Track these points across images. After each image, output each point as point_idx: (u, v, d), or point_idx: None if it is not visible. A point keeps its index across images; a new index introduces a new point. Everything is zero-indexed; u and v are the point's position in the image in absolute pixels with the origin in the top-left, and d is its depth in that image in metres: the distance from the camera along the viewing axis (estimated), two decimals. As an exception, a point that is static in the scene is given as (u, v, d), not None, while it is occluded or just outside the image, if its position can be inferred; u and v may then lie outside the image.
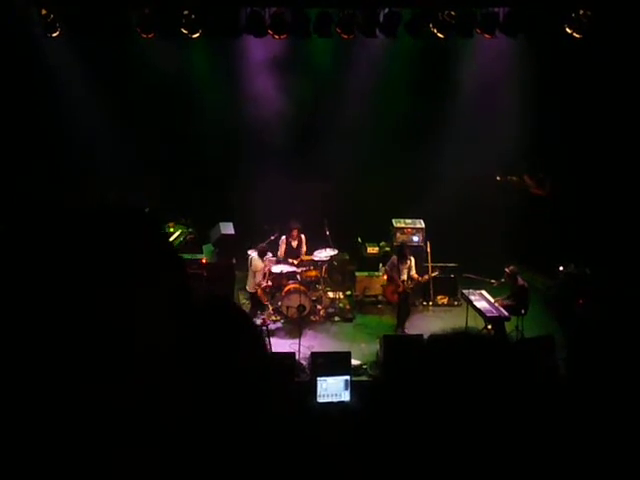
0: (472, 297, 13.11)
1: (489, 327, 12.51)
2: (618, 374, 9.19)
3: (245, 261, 14.17)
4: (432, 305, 14.82)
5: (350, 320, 14.19)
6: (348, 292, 14.84)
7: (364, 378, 11.68)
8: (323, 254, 14.46)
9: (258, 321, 12.92)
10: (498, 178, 15.78)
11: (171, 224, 14.71)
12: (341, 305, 14.50)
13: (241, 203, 14.91)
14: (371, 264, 15.22)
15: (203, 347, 1.54)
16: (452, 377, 1.40)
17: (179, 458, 1.20)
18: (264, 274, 13.64)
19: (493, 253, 13.97)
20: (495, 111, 15.25)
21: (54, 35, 13.41)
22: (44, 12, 13.20)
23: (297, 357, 11.81)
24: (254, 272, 13.58)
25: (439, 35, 13.35)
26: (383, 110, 15.72)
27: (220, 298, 1.89)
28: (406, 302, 13.69)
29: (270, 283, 13.81)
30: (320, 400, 10.62)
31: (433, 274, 14.27)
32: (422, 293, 14.75)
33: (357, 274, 14.94)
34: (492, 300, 12.99)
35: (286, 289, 13.69)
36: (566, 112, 14.77)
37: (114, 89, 15.06)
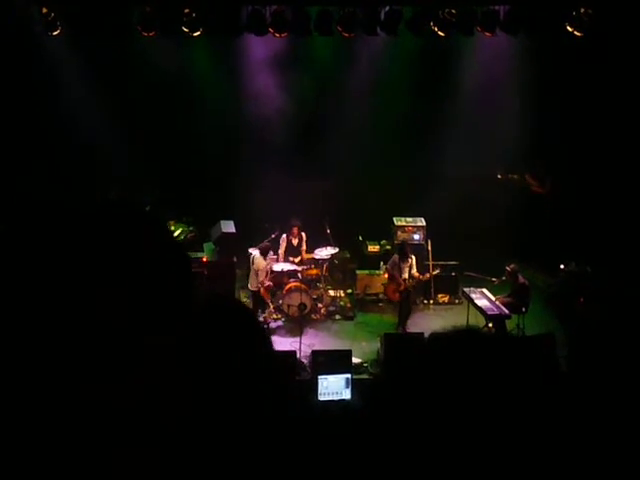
0: (473, 295, 13.11)
1: (490, 325, 12.51)
2: (619, 372, 9.19)
3: (246, 259, 14.17)
4: (433, 303, 14.81)
5: (351, 318, 14.19)
6: (349, 290, 14.85)
7: (365, 376, 11.68)
8: (324, 252, 14.47)
9: (259, 319, 12.93)
10: (499, 176, 15.77)
11: (172, 222, 14.70)
12: (342, 303, 14.50)
13: (242, 201, 14.90)
14: (372, 262, 15.22)
15: (207, 346, 1.54)
16: (453, 375, 1.40)
17: (179, 458, 1.20)
18: (266, 273, 13.64)
19: (494, 251, 13.98)
20: (495, 110, 15.25)
21: (55, 33, 13.41)
22: (45, 10, 13.21)
23: (298, 355, 11.81)
24: (256, 271, 13.57)
25: (440, 33, 13.35)
26: (384, 108, 15.72)
27: (225, 296, 1.89)
28: (407, 301, 13.69)
29: (271, 282, 13.82)
30: (321, 398, 10.63)
31: (434, 272, 14.26)
32: (423, 291, 14.74)
33: (358, 272, 14.93)
34: (493, 298, 12.99)
35: (287, 287, 13.69)
36: (567, 111, 14.77)
37: (115, 87, 15.07)
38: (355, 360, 11.73)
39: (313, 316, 13.86)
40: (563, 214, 14.86)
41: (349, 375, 10.90)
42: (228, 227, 14.69)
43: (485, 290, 13.25)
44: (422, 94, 15.44)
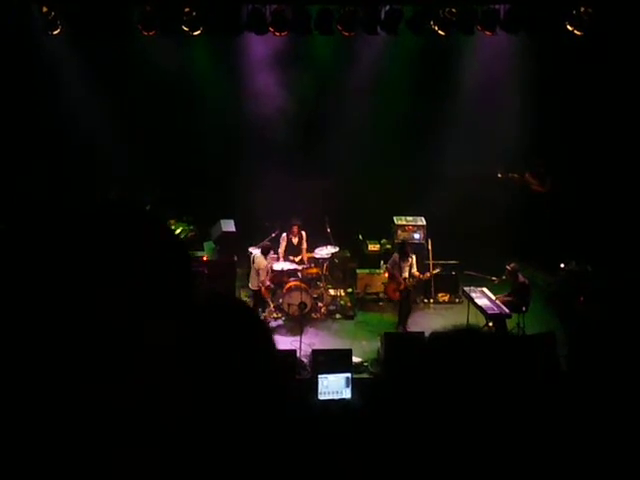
0: (473, 294, 13.10)
1: (490, 324, 12.51)
2: (619, 371, 9.20)
3: (246, 259, 14.17)
4: (433, 302, 14.81)
5: (351, 317, 14.19)
6: (349, 289, 14.84)
7: (365, 375, 11.68)
8: (324, 251, 14.47)
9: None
10: (499, 175, 15.77)
11: (172, 221, 14.70)
12: (342, 302, 14.50)
13: (242, 200, 14.90)
14: (372, 261, 15.22)
15: (209, 345, 1.54)
16: (453, 374, 1.40)
17: (179, 458, 1.20)
18: (267, 272, 13.64)
19: (494, 250, 13.97)
20: (496, 109, 15.25)
21: (55, 33, 13.41)
22: (45, 9, 13.21)
23: (298, 354, 11.81)
24: (257, 270, 13.57)
25: (440, 32, 13.36)
26: (384, 107, 15.71)
27: (229, 296, 1.89)
28: (408, 300, 13.69)
29: (272, 281, 13.82)
30: (321, 397, 10.63)
31: (435, 272, 14.26)
32: (423, 290, 14.74)
33: (358, 271, 14.93)
34: (493, 297, 12.98)
35: (287, 286, 13.69)
36: (567, 109, 14.77)
37: (115, 86, 15.06)
38: (355, 359, 11.73)
39: (313, 315, 13.86)
40: (563, 213, 14.86)
41: (349, 374, 10.90)
42: (228, 226, 14.69)
43: (485, 289, 13.25)
44: (422, 93, 15.44)
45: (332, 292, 14.56)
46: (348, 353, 11.45)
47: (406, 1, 13.49)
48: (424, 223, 15.14)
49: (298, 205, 14.48)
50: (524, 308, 12.76)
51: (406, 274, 13.66)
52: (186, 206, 14.90)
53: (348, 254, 15.21)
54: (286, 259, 14.29)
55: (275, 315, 13.71)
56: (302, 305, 13.24)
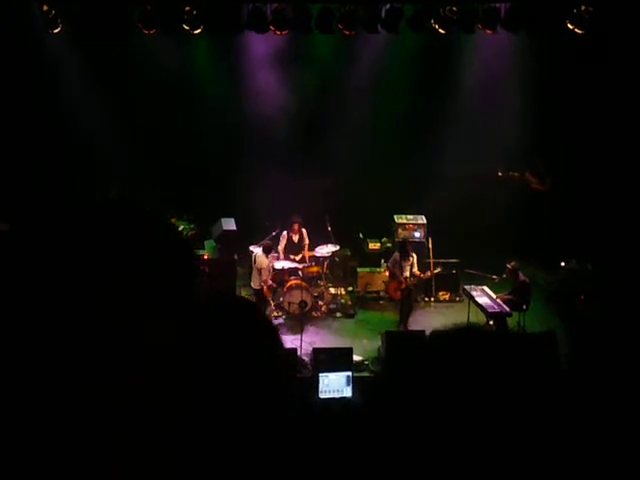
0: (474, 293, 13.10)
1: (491, 323, 12.51)
2: (619, 370, 9.19)
3: (247, 257, 14.17)
4: (434, 301, 14.81)
5: (352, 316, 14.20)
6: (350, 288, 14.84)
7: (366, 374, 11.68)
8: (325, 250, 14.47)
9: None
10: (500, 173, 15.76)
11: (173, 220, 14.70)
12: (343, 301, 14.50)
13: (243, 199, 14.90)
14: (373, 260, 15.22)
15: (213, 344, 1.54)
16: (454, 373, 1.40)
17: (179, 458, 1.20)
18: (268, 271, 13.65)
19: (494, 249, 13.97)
20: (496, 107, 15.25)
21: (55, 31, 13.41)
22: (45, 8, 13.21)
23: (299, 353, 11.81)
24: (259, 269, 13.57)
25: (440, 31, 13.35)
26: (384, 106, 15.71)
27: (235, 295, 1.89)
28: (408, 298, 13.69)
29: (273, 280, 13.83)
30: (322, 396, 10.63)
31: (435, 271, 14.26)
32: (424, 289, 14.74)
33: (359, 270, 14.94)
34: (494, 296, 12.98)
35: (288, 285, 13.69)
36: (567, 108, 14.76)
37: (115, 85, 15.05)
38: (356, 358, 11.73)
39: (314, 314, 13.87)
40: (563, 211, 14.86)
41: (350, 373, 10.90)
42: (229, 225, 14.70)
43: (486, 288, 13.25)
44: (423, 92, 15.43)
45: (333, 291, 14.56)
46: (349, 352, 11.45)
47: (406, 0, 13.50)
48: (424, 221, 15.15)
49: (299, 204, 14.48)
50: (524, 307, 12.76)
51: (407, 273, 13.65)
52: (187, 205, 14.89)
53: (349, 253, 15.21)
54: (286, 257, 14.29)
55: (276, 314, 13.71)
56: (303, 304, 13.25)
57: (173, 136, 15.47)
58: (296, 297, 13.38)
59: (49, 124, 14.98)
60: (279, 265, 13.93)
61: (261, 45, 14.86)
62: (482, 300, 12.87)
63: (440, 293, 14.89)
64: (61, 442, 1.10)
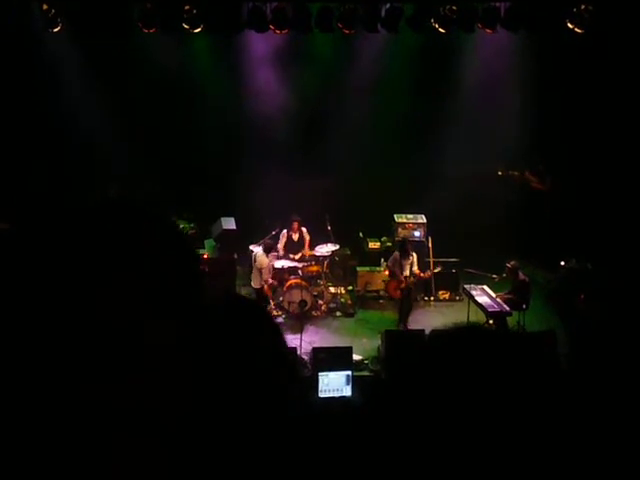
0: (474, 292, 13.10)
1: (490, 322, 12.51)
2: (619, 369, 9.20)
3: (247, 257, 14.17)
4: (434, 300, 14.82)
5: (351, 315, 14.20)
6: (349, 287, 14.85)
7: (366, 373, 11.70)
8: (324, 249, 14.47)
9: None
10: (500, 173, 15.77)
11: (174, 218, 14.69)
12: (342, 300, 14.50)
13: (243, 198, 14.91)
14: (372, 259, 15.22)
15: (216, 344, 1.54)
16: (454, 372, 1.40)
17: (179, 458, 1.20)
18: (269, 270, 13.65)
19: (494, 248, 13.97)
20: (496, 107, 15.25)
21: (55, 30, 13.41)
22: (45, 7, 13.21)
23: (298, 352, 11.81)
24: (259, 269, 13.58)
25: (440, 30, 13.35)
26: (384, 106, 15.71)
27: (240, 295, 1.89)
28: (408, 297, 13.69)
29: (273, 278, 13.84)
30: (322, 395, 10.63)
31: (436, 270, 14.26)
32: (424, 288, 14.74)
33: (358, 269, 14.94)
34: (494, 295, 12.98)
35: (288, 284, 13.70)
36: (567, 108, 14.76)
37: (115, 84, 15.05)
38: (356, 357, 11.73)
39: (314, 313, 13.87)
40: (563, 211, 14.86)
41: (350, 372, 10.90)
42: (229, 224, 14.71)
43: (486, 287, 13.25)
44: (422, 91, 15.43)
45: (332, 290, 14.57)
46: (348, 351, 11.46)
47: (406, -1, 13.50)
48: (424, 221, 15.15)
49: (299, 204, 14.48)
50: (524, 306, 12.76)
51: (407, 272, 13.65)
52: (186, 204, 14.89)
53: (348, 252, 15.21)
54: (286, 256, 14.29)
55: (275, 313, 13.71)
56: (302, 303, 13.25)
57: (173, 135, 15.47)
58: (296, 296, 13.39)
59: (49, 123, 14.98)
60: (279, 264, 13.93)
61: (261, 44, 14.86)
62: (482, 299, 12.87)
63: (440, 292, 14.90)
64: (61, 442, 1.10)
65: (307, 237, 14.49)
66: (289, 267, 13.96)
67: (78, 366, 1.10)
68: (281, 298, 13.71)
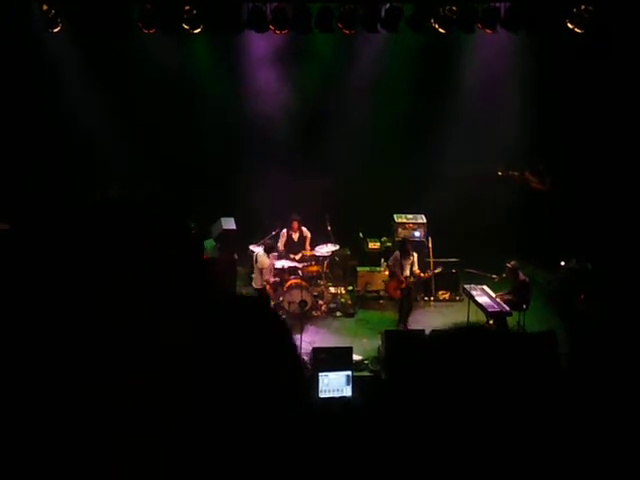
0: (474, 292, 13.10)
1: (491, 322, 12.51)
2: (619, 369, 9.19)
3: (247, 257, 14.17)
4: (434, 300, 14.82)
5: (352, 315, 14.20)
6: (350, 287, 14.85)
7: (366, 373, 11.70)
8: (325, 249, 14.47)
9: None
10: (500, 173, 15.77)
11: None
12: (343, 300, 14.50)
13: (243, 198, 14.91)
14: (373, 259, 15.22)
15: (228, 345, 1.54)
16: (454, 372, 1.40)
17: (179, 458, 1.20)
18: (270, 270, 13.65)
19: (494, 248, 13.97)
20: (496, 107, 15.25)
21: (55, 31, 13.41)
22: (45, 7, 13.21)
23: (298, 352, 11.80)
24: (260, 269, 13.58)
25: (440, 30, 13.35)
26: (384, 106, 15.71)
27: (249, 296, 1.89)
28: (408, 297, 13.69)
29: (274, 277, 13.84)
30: (322, 395, 10.63)
31: (436, 270, 14.26)
32: (424, 288, 14.74)
33: (359, 269, 14.94)
34: (494, 295, 12.98)
35: (288, 284, 13.69)
36: (567, 108, 14.76)
37: (115, 84, 15.05)
38: (356, 357, 11.73)
39: (314, 313, 13.87)
40: (563, 211, 14.86)
41: (350, 372, 10.90)
42: (229, 224, 14.71)
43: (486, 287, 13.25)
44: (422, 91, 15.43)
45: (332, 290, 14.56)
46: (349, 351, 11.46)
47: (406, -1, 13.50)
48: (424, 221, 15.15)
49: (299, 204, 14.48)
50: (524, 306, 12.76)
51: (407, 272, 13.65)
52: (186, 204, 14.88)
53: (348, 252, 15.21)
54: (286, 256, 14.29)
55: (276, 313, 13.70)
56: (303, 303, 13.25)
57: (173, 135, 15.47)
58: (296, 296, 13.38)
59: (49, 123, 14.99)
60: (279, 264, 13.93)
61: (261, 44, 14.86)
62: (482, 299, 12.87)
63: (440, 292, 14.90)
64: (61, 442, 1.10)
65: (308, 235, 14.49)
66: (289, 267, 13.96)
67: (78, 366, 1.10)
68: (281, 298, 13.70)
